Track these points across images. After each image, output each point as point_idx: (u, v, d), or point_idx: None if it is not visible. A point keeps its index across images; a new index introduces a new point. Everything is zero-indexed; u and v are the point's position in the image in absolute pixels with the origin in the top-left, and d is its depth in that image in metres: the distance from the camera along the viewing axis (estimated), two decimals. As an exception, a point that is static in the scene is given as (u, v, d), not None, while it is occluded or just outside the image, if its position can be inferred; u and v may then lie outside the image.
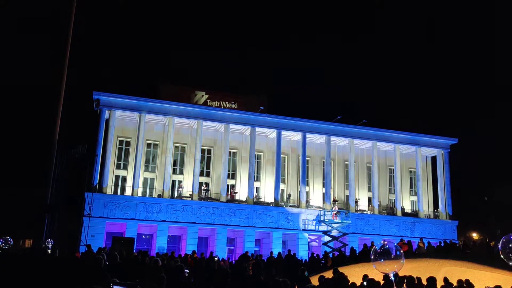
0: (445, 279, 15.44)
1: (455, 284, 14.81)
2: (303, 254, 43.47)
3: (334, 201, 49.07)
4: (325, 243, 44.92)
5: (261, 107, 49.27)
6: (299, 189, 49.03)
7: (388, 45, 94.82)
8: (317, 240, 47.35)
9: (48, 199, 33.49)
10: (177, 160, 48.16)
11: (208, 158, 49.23)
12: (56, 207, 38.17)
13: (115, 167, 46.03)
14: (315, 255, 35.15)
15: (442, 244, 33.07)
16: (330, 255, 35.67)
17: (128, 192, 44.05)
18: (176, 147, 47.85)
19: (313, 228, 46.45)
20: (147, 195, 45.36)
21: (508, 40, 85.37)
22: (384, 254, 9.19)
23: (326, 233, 45.90)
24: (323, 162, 50.95)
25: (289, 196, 49.80)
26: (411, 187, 55.28)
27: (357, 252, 32.47)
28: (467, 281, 14.66)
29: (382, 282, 12.97)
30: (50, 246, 31.27)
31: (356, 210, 49.35)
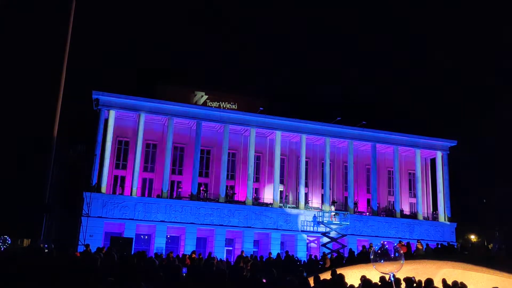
0: (443, 281, 15.40)
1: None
2: (301, 255, 43.39)
3: (333, 202, 49.06)
4: (324, 244, 44.88)
5: (261, 108, 49.22)
6: (298, 190, 49.01)
7: (387, 46, 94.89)
8: (316, 242, 47.34)
9: (46, 199, 33.51)
10: (176, 160, 48.11)
11: (207, 159, 49.20)
12: (55, 206, 38.21)
13: (113, 167, 45.98)
14: (313, 256, 35.10)
15: (439, 246, 33.02)
16: (329, 256, 35.60)
17: (126, 192, 44.00)
18: (175, 147, 47.80)
19: (312, 229, 46.44)
20: (146, 195, 45.32)
21: (508, 39, 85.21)
22: (384, 254, 9.15)
23: (324, 234, 45.87)
24: (322, 163, 50.94)
25: (288, 197, 49.75)
26: (410, 189, 55.30)
27: (355, 253, 32.43)
28: (462, 283, 14.59)
29: (379, 283, 12.96)
30: (47, 246, 31.23)
31: (355, 212, 49.34)
